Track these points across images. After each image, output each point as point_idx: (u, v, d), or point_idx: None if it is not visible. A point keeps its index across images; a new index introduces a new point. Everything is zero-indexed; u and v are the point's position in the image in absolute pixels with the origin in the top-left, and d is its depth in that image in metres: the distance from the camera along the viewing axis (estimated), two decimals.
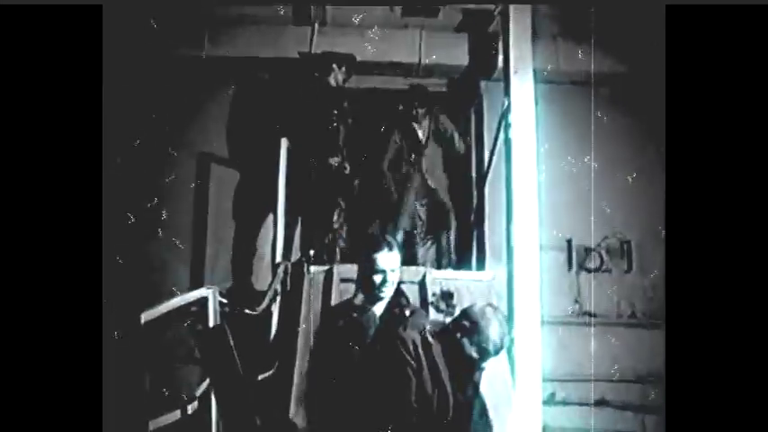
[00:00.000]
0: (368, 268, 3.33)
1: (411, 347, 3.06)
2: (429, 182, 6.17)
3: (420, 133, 6.19)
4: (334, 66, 5.97)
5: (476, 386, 3.18)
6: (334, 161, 5.76)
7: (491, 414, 3.26)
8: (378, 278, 3.30)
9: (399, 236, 5.97)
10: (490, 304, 3.25)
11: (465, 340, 3.05)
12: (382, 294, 3.34)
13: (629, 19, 6.07)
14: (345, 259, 5.51)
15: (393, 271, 3.33)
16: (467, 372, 3.13)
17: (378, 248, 3.34)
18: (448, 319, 4.15)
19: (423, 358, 3.06)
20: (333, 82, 5.99)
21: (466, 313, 3.14)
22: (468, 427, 3.12)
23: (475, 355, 3.05)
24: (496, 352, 3.10)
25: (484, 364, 3.13)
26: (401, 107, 6.24)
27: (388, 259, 3.31)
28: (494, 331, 3.04)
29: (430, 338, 3.09)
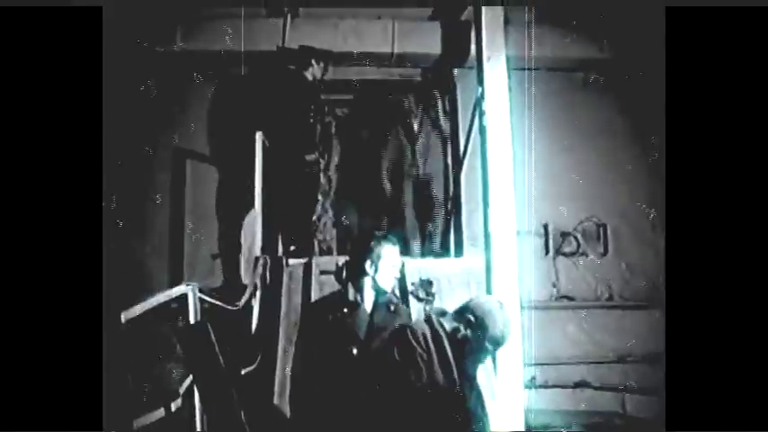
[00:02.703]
0: (373, 261, 3.34)
1: (422, 339, 3.06)
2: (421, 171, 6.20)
3: (415, 125, 6.21)
4: (312, 61, 5.93)
5: (474, 378, 3.20)
6: (312, 157, 5.74)
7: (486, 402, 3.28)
8: (388, 270, 3.32)
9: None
10: (498, 301, 3.25)
11: (469, 333, 3.06)
12: (385, 287, 3.36)
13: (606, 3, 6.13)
14: (324, 252, 5.54)
15: (398, 259, 3.37)
16: (467, 364, 3.15)
17: (381, 243, 3.36)
18: (435, 303, 4.19)
19: (432, 350, 3.06)
20: (310, 76, 5.95)
21: (471, 308, 3.13)
22: (469, 416, 3.13)
23: (477, 350, 3.07)
24: (497, 348, 3.13)
25: (485, 356, 3.16)
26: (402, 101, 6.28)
27: (391, 252, 3.34)
28: (498, 330, 3.05)
29: (438, 329, 3.09)
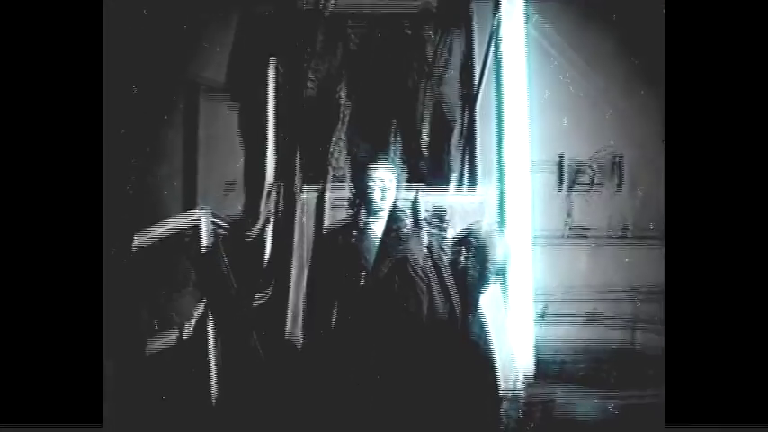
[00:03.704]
0: (366, 181, 3.33)
1: (420, 269, 3.08)
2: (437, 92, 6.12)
3: (429, 53, 6.11)
4: None
5: (476, 303, 3.22)
6: (312, 92, 5.70)
7: (490, 330, 3.30)
8: (376, 191, 3.30)
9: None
10: (497, 226, 3.27)
11: (470, 259, 3.08)
12: (381, 205, 3.34)
13: None
14: (337, 181, 5.51)
15: (391, 182, 3.33)
16: (469, 289, 3.16)
17: (374, 162, 3.34)
18: (446, 235, 4.19)
19: (434, 279, 3.08)
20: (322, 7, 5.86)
21: (472, 233, 3.16)
22: (472, 341, 3.16)
23: (478, 274, 3.09)
24: (498, 272, 3.14)
25: (486, 283, 3.18)
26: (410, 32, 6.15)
27: (384, 173, 3.31)
28: (498, 253, 3.07)
29: (438, 260, 3.11)
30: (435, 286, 3.09)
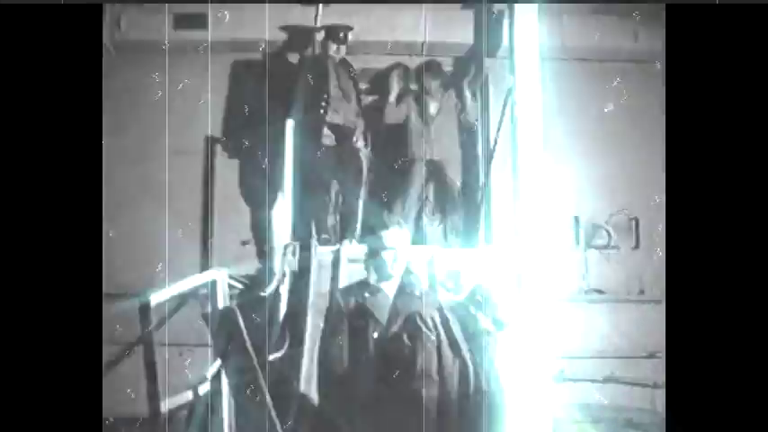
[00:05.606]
0: (378, 246, 3.35)
1: (431, 324, 3.10)
2: (434, 156, 6.16)
3: (432, 107, 6.18)
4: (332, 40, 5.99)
5: (489, 357, 3.21)
6: (330, 140, 5.76)
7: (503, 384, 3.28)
8: (388, 256, 3.32)
9: (411, 213, 5.95)
10: (504, 280, 3.30)
11: (480, 314, 3.10)
12: (392, 272, 3.36)
13: None
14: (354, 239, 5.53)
15: (402, 248, 3.35)
16: (482, 344, 3.17)
17: (387, 226, 3.36)
18: (457, 297, 4.18)
19: (443, 333, 3.10)
20: (333, 53, 5.99)
21: (480, 288, 3.19)
22: (486, 395, 3.15)
23: (489, 327, 3.10)
24: (506, 326, 3.15)
25: (498, 336, 3.18)
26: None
27: (397, 237, 3.33)
28: (506, 304, 3.09)
29: (448, 314, 3.13)
30: (445, 341, 3.10)
